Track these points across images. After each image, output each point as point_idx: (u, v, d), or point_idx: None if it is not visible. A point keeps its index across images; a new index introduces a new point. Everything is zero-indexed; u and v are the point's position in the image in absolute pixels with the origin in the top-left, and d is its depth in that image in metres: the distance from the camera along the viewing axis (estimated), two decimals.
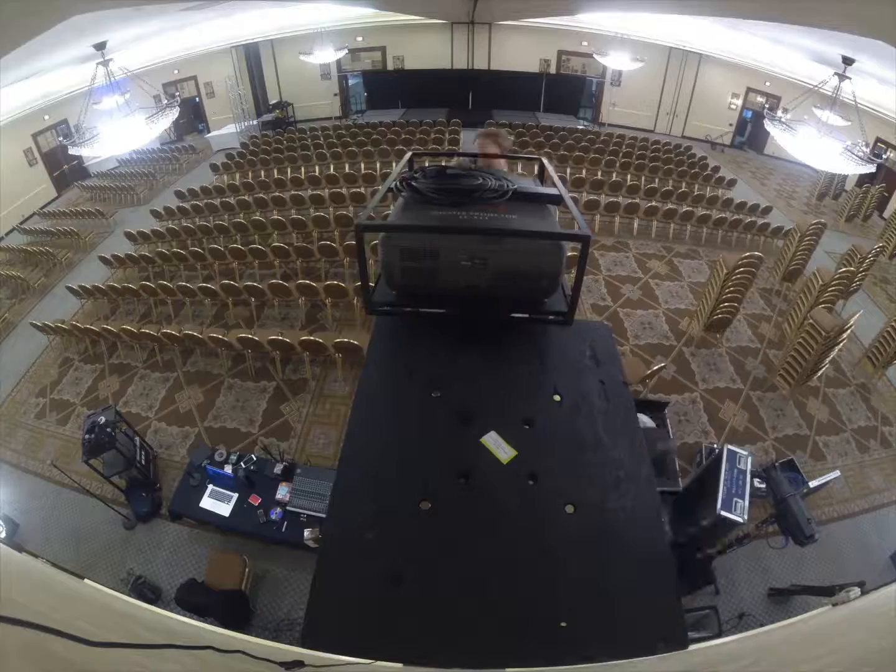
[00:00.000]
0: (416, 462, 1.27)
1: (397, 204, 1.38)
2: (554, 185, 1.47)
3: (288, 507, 3.90)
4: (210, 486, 4.09)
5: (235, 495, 4.03)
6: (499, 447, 1.28)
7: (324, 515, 3.72)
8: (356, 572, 1.08)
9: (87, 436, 4.28)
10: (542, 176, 1.70)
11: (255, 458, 4.27)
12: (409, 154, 1.73)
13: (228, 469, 4.15)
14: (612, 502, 1.18)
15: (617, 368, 1.51)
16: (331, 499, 1.24)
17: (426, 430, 1.35)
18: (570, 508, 1.17)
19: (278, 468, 4.15)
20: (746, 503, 3.89)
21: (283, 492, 3.99)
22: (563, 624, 0.99)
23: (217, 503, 4.00)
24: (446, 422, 1.35)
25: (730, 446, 3.36)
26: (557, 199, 1.39)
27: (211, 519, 4.00)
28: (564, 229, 1.31)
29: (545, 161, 1.69)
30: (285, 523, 3.85)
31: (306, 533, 3.70)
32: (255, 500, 3.98)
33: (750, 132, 14.47)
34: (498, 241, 1.27)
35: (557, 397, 1.40)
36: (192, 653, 1.25)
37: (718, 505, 3.01)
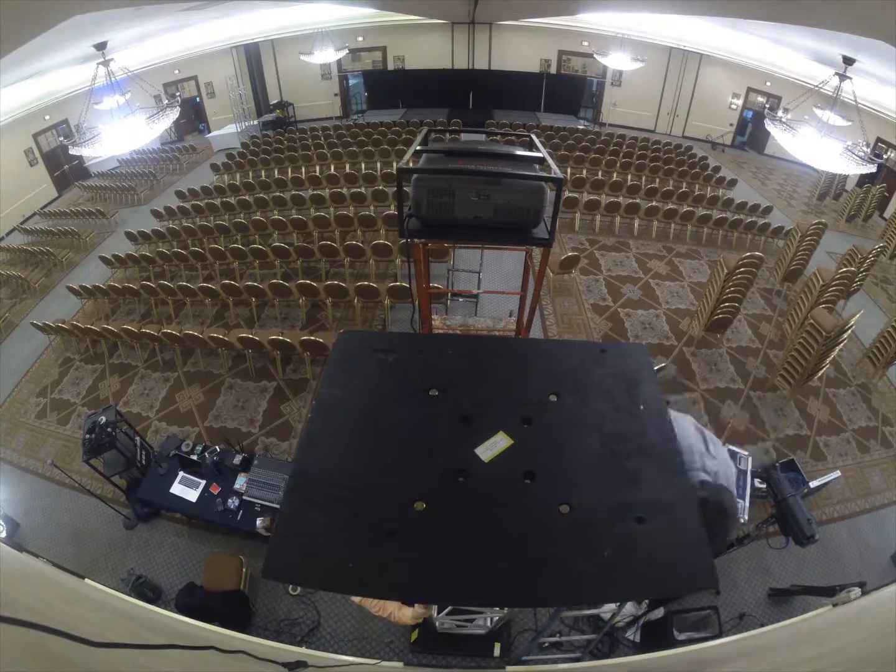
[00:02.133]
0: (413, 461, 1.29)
1: (423, 159, 1.90)
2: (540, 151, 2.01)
3: (244, 497, 4.00)
4: (181, 473, 4.21)
5: (203, 482, 4.16)
6: (494, 446, 1.29)
7: (277, 505, 3.81)
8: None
9: (87, 436, 4.27)
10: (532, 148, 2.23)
11: (217, 449, 4.37)
12: (425, 130, 2.28)
13: (195, 459, 4.29)
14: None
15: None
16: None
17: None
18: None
19: (237, 459, 4.25)
20: (747, 503, 3.91)
21: (240, 482, 4.11)
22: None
23: (186, 489, 4.13)
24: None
25: (730, 446, 3.35)
26: (541, 160, 1.93)
27: (178, 505, 4.12)
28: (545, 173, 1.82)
29: (534, 136, 2.34)
30: (241, 512, 3.96)
31: (258, 522, 3.80)
32: (215, 490, 4.11)
33: (750, 132, 14.45)
34: (498, 183, 1.76)
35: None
36: (193, 653, 1.24)
37: None
